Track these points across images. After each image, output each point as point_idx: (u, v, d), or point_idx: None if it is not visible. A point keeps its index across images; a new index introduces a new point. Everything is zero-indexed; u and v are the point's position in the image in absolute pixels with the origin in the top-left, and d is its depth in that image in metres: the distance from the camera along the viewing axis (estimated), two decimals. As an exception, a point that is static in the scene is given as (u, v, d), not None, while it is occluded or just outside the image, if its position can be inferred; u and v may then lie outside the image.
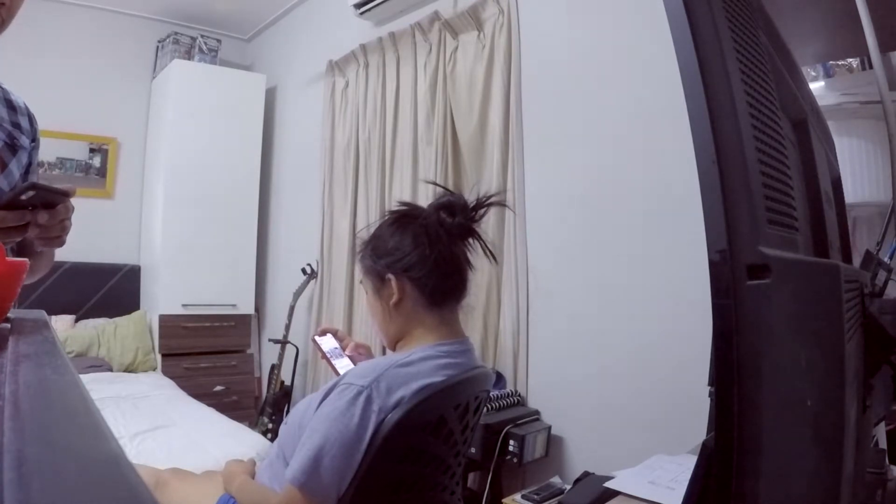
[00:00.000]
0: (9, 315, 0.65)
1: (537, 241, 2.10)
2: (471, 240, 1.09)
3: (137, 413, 2.45)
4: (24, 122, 1.13)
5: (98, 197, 3.60)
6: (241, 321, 3.59)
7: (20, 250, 1.03)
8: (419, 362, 1.00)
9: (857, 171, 1.34)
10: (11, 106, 1.11)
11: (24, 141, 1.11)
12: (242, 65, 4.06)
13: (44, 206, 0.82)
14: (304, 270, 3.17)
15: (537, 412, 1.99)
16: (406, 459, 0.98)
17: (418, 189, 2.55)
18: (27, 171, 1.14)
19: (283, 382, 3.14)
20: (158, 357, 3.34)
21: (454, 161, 2.42)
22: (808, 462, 0.47)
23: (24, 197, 0.78)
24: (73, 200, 0.90)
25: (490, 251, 1.10)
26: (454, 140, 2.42)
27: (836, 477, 0.50)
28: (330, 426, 0.92)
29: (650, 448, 1.41)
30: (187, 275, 3.39)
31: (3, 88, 1.11)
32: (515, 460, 1.80)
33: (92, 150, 3.60)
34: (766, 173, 0.43)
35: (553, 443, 1.95)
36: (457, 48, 2.41)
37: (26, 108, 1.15)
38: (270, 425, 2.97)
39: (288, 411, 3.01)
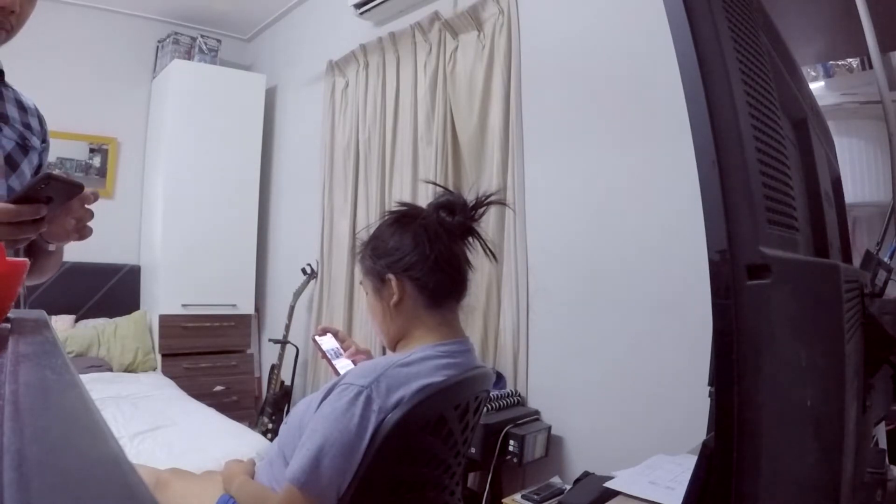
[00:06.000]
0: (9, 315, 0.65)
1: (537, 241, 2.10)
2: (470, 239, 1.09)
3: (137, 413, 2.45)
4: (35, 123, 1.13)
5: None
6: (241, 321, 3.59)
7: (29, 251, 1.03)
8: (419, 362, 1.00)
9: (857, 171, 1.34)
10: (22, 107, 1.11)
11: (35, 142, 1.11)
12: (242, 65, 4.06)
13: (58, 199, 0.82)
14: (304, 270, 3.17)
15: (537, 412, 1.99)
16: (406, 459, 0.98)
17: (418, 189, 2.55)
18: (37, 172, 1.14)
19: (283, 382, 3.14)
20: (158, 357, 3.34)
21: (454, 161, 2.42)
22: (808, 462, 0.47)
23: (39, 188, 0.76)
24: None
25: (490, 250, 1.10)
26: (454, 140, 2.42)
27: (836, 477, 0.50)
28: (330, 426, 0.92)
29: (650, 448, 1.41)
30: (187, 275, 3.39)
31: (13, 89, 1.11)
32: (515, 460, 1.80)
33: (92, 150, 3.60)
34: (766, 173, 0.43)
35: (553, 443, 1.95)
36: (457, 48, 2.41)
37: (36, 109, 1.15)
38: (270, 425, 2.97)
39: (288, 411, 3.01)
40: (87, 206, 0.89)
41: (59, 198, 0.81)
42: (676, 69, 0.39)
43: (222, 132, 3.51)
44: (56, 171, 0.81)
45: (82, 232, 0.92)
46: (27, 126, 1.10)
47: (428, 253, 1.03)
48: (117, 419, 2.33)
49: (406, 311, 1.06)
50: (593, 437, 1.88)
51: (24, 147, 1.08)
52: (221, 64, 3.70)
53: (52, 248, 0.98)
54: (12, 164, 1.05)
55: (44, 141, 1.16)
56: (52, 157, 3.54)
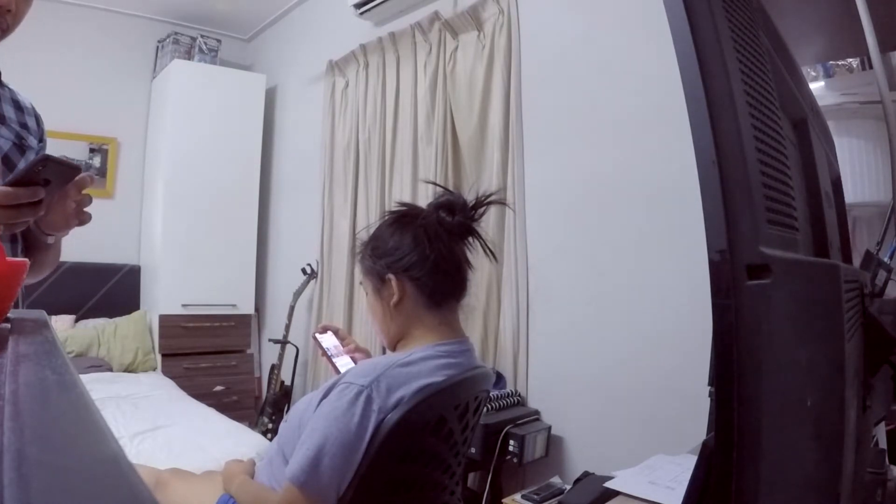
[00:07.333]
0: (9, 315, 0.65)
1: (537, 241, 2.10)
2: (470, 239, 1.09)
3: (137, 413, 2.45)
4: (32, 123, 1.13)
5: (98, 197, 3.56)
6: (241, 321, 3.59)
7: (28, 247, 1.03)
8: (419, 362, 1.00)
9: (857, 171, 1.34)
10: (19, 106, 1.11)
11: (32, 141, 1.12)
12: (242, 65, 4.06)
13: (56, 181, 0.81)
14: (304, 270, 3.17)
15: (537, 412, 1.99)
16: (406, 459, 0.98)
17: (418, 189, 2.55)
18: None
19: (283, 382, 3.14)
20: (158, 357, 3.34)
21: (454, 161, 2.42)
22: (808, 462, 0.47)
23: (37, 170, 0.76)
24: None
25: (490, 250, 1.10)
26: (454, 140, 2.42)
27: (836, 477, 0.50)
28: (330, 426, 0.92)
29: (650, 448, 1.41)
30: (187, 275, 3.39)
31: (9, 89, 1.11)
32: (515, 460, 1.79)
33: (92, 150, 3.60)
34: (766, 173, 0.43)
35: (553, 443, 1.95)
36: (457, 48, 2.41)
37: (33, 108, 1.16)
38: (270, 425, 2.97)
39: (288, 411, 3.01)
40: (83, 190, 0.89)
41: (56, 181, 0.80)
42: (676, 69, 0.39)
43: (222, 132, 3.51)
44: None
45: (82, 217, 0.92)
46: (24, 126, 1.10)
47: (428, 253, 1.03)
48: (117, 419, 2.33)
49: (406, 311, 1.06)
50: (593, 437, 1.88)
51: (20, 147, 1.08)
52: (221, 64, 3.70)
53: (50, 240, 0.98)
54: (9, 164, 1.05)
55: (41, 140, 1.16)
56: (52, 157, 3.55)
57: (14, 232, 0.93)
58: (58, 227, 0.93)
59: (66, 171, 0.81)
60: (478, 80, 2.29)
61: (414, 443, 0.98)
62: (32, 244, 1.01)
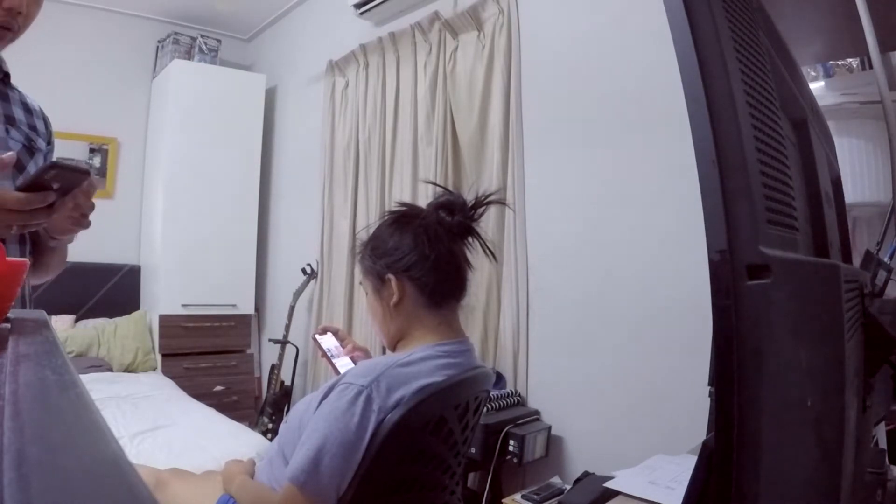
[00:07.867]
0: (9, 315, 0.65)
1: (537, 241, 2.10)
2: (470, 239, 1.09)
3: (137, 413, 2.45)
4: (40, 125, 1.13)
5: (98, 197, 3.56)
6: (241, 321, 3.59)
7: (35, 249, 1.03)
8: (419, 362, 1.00)
9: (857, 171, 1.34)
10: (28, 109, 1.11)
11: (41, 143, 1.12)
12: (242, 65, 4.06)
13: (65, 186, 0.82)
14: (304, 270, 3.17)
15: (537, 412, 1.99)
16: (406, 459, 0.98)
17: (418, 189, 2.55)
18: None
19: (283, 382, 3.14)
20: (158, 357, 3.34)
21: (454, 161, 2.42)
22: (808, 462, 0.47)
23: (46, 176, 0.77)
24: None
25: (490, 250, 1.10)
26: (454, 140, 2.42)
27: (836, 477, 0.50)
28: (330, 426, 0.92)
29: (650, 448, 1.41)
30: (187, 275, 3.39)
31: (19, 91, 1.11)
32: (515, 460, 1.80)
33: (92, 150, 3.60)
34: (766, 173, 0.43)
35: (553, 443, 1.95)
36: (457, 48, 2.41)
37: (41, 110, 1.16)
38: (270, 425, 2.97)
39: (288, 411, 3.01)
40: (87, 197, 0.90)
41: (65, 185, 0.81)
42: (676, 69, 0.39)
43: (222, 132, 3.51)
44: (60, 159, 0.82)
45: (80, 221, 0.92)
46: (33, 128, 1.10)
47: (428, 253, 1.03)
48: (117, 419, 2.33)
49: (406, 311, 1.06)
50: (593, 437, 1.88)
51: (30, 149, 1.08)
52: (221, 64, 3.70)
53: (52, 244, 0.98)
54: (19, 167, 1.05)
55: (49, 143, 1.16)
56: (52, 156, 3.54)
57: (24, 233, 0.93)
58: (61, 230, 0.93)
59: (74, 176, 0.82)
60: (478, 80, 2.29)
61: (414, 443, 0.98)
62: (37, 247, 1.02)
